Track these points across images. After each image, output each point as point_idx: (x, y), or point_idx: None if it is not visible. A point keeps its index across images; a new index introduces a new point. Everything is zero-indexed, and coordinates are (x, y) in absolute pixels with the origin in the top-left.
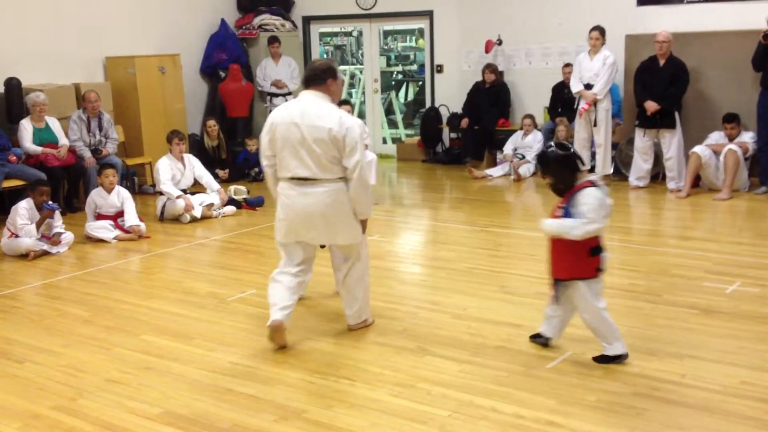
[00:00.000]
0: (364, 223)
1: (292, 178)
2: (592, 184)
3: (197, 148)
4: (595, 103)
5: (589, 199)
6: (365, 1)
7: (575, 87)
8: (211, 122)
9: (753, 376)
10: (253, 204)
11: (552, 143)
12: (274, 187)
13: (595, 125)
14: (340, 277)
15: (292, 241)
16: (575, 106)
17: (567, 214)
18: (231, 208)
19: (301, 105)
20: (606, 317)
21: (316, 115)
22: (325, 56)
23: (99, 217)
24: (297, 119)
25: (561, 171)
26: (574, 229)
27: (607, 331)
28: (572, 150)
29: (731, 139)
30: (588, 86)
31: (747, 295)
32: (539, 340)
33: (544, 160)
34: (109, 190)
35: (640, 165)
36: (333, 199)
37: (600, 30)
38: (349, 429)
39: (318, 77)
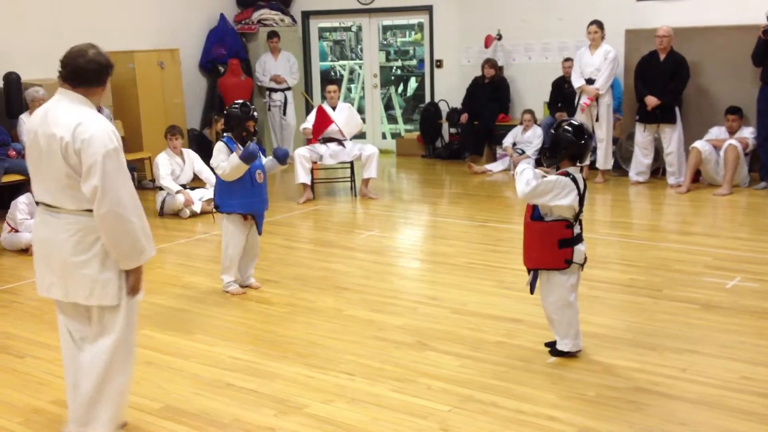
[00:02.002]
0: (134, 281)
1: (38, 203)
2: (567, 174)
3: (197, 142)
4: (597, 98)
5: (550, 177)
6: None
7: (576, 82)
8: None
9: (753, 371)
10: None
11: (574, 121)
12: None
13: (596, 120)
14: (76, 353)
15: (45, 296)
16: (576, 101)
17: (536, 207)
18: None
19: (49, 106)
20: (569, 312)
21: (54, 120)
22: (327, 51)
23: None
24: (38, 126)
25: (556, 146)
26: (518, 174)
27: (567, 326)
28: (583, 141)
29: (731, 131)
30: (589, 81)
31: (747, 290)
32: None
33: (556, 127)
34: None
35: (641, 160)
36: (71, 235)
37: (598, 24)
38: (349, 424)
39: (91, 77)
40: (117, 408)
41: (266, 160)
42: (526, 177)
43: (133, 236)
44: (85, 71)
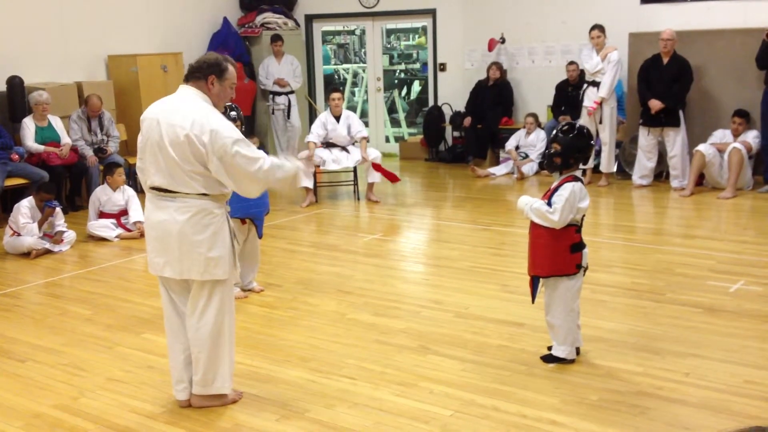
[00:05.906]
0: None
1: (152, 188)
2: (575, 179)
3: None
4: (601, 101)
5: (564, 192)
6: None
7: (590, 61)
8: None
9: (756, 374)
10: None
11: (577, 124)
12: None
13: (600, 123)
14: (189, 330)
15: (158, 275)
16: (580, 98)
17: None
18: None
19: (170, 99)
20: (571, 318)
21: (178, 113)
22: (331, 55)
23: (102, 215)
24: (159, 115)
25: (570, 149)
26: (534, 212)
27: (567, 332)
28: (591, 144)
29: (736, 134)
30: (594, 84)
31: (750, 293)
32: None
33: (569, 129)
34: (115, 188)
35: (644, 163)
36: (189, 216)
37: (600, 28)
38: (351, 428)
39: (198, 71)
40: (232, 365)
41: None
42: (545, 208)
43: (279, 179)
44: (198, 68)
